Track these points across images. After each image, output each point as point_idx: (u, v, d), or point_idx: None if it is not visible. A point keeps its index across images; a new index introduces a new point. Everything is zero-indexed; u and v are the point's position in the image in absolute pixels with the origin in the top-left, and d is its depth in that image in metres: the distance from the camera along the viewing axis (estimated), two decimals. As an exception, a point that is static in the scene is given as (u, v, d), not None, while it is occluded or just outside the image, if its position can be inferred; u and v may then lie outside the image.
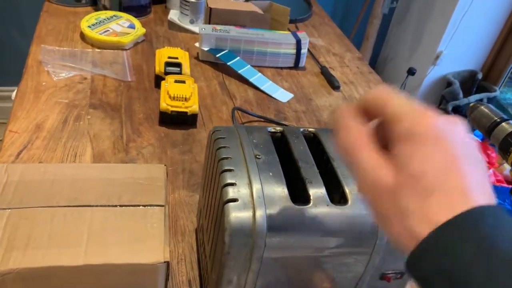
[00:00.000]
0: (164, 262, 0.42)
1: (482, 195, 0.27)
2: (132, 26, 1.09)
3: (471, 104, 0.66)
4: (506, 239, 0.25)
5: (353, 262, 0.48)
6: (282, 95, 1.01)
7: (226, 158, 0.48)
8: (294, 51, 1.09)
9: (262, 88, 1.01)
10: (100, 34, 1.03)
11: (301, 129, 0.55)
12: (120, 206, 0.46)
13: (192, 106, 0.84)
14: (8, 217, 0.42)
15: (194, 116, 0.85)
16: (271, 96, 1.00)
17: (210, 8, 1.11)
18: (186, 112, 0.84)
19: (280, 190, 0.45)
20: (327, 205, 0.45)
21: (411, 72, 2.03)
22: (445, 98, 2.20)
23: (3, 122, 1.94)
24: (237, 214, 0.43)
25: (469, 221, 0.26)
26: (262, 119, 0.91)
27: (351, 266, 0.48)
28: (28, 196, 0.45)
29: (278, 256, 0.45)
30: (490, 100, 2.18)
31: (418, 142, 0.28)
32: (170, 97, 0.83)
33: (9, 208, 0.43)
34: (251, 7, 1.16)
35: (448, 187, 0.27)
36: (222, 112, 0.92)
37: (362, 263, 0.48)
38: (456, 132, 0.29)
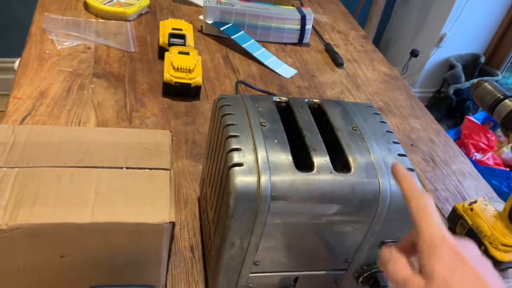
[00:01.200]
0: (170, 222, 0.42)
1: None
2: (136, -3, 1.08)
3: (475, 81, 0.66)
4: None
5: (353, 229, 0.49)
6: (286, 70, 1.00)
7: (232, 124, 0.48)
8: (298, 27, 1.08)
9: (265, 63, 1.01)
10: (104, 4, 1.02)
11: (306, 100, 0.55)
12: (127, 168, 0.46)
13: (196, 78, 0.84)
14: (16, 176, 0.43)
15: (197, 88, 0.85)
16: (274, 71, 0.99)
17: (215, -19, 1.10)
18: (189, 84, 0.84)
19: (284, 157, 0.46)
20: (331, 173, 0.46)
21: (414, 53, 2.02)
22: (447, 81, 2.20)
23: (4, 93, 1.94)
24: (242, 178, 0.44)
25: None
26: (265, 93, 0.91)
27: (351, 234, 0.49)
28: (35, 156, 0.45)
29: (281, 221, 0.46)
30: (491, 85, 2.17)
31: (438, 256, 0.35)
32: (173, 68, 0.83)
33: (16, 167, 0.44)
34: (256, -19, 1.15)
35: None
36: (226, 85, 0.92)
37: (362, 231, 0.49)
38: (470, 249, 0.36)
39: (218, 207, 0.49)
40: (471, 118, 1.92)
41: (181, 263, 0.57)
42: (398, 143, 0.51)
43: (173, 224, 0.43)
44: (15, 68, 1.17)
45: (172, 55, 0.86)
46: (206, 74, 0.94)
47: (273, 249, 0.49)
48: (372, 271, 0.53)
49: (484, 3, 2.07)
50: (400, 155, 0.50)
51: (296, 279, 0.53)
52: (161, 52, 0.92)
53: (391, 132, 0.53)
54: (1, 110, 1.92)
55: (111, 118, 0.76)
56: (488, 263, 0.36)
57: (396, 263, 0.39)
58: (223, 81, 0.93)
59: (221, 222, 0.47)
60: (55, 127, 0.53)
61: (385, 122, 0.54)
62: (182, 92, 0.85)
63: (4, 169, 0.43)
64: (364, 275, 0.54)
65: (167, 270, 0.48)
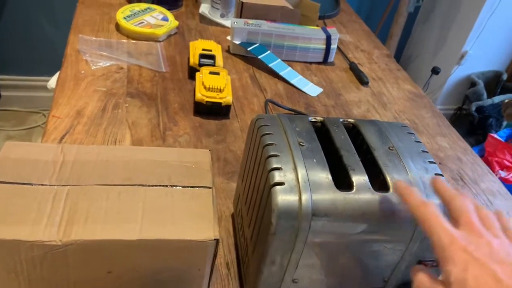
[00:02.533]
0: (214, 239, 0.44)
1: None
2: (165, 19, 1.11)
3: (507, 100, 0.67)
4: None
5: (391, 249, 0.49)
6: (312, 89, 1.02)
7: (272, 144, 0.50)
8: (323, 46, 1.10)
9: (292, 82, 1.02)
10: (135, 25, 1.06)
11: (341, 119, 0.56)
12: (171, 186, 0.48)
13: (226, 97, 0.86)
14: (68, 194, 0.45)
15: (227, 107, 0.87)
16: (300, 90, 1.01)
17: (242, 3, 1.13)
18: (220, 103, 0.86)
19: (324, 176, 0.47)
20: (370, 192, 0.46)
21: (435, 71, 2.02)
22: (468, 98, 2.19)
23: (34, 111, 2.00)
24: (283, 197, 0.45)
25: None
26: (293, 112, 0.93)
27: (389, 253, 0.50)
28: (84, 175, 0.47)
29: (321, 239, 0.47)
30: (514, 102, 2.16)
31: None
32: (205, 88, 0.86)
33: (68, 185, 0.45)
34: (281, 2, 1.18)
35: None
36: (254, 104, 0.94)
37: (400, 250, 0.50)
38: (483, 246, 0.36)
39: (258, 224, 0.50)
40: (495, 135, 1.91)
41: (217, 280, 0.58)
42: (434, 162, 0.52)
43: (217, 241, 0.44)
44: (48, 87, 1.22)
45: (203, 75, 0.88)
46: (234, 93, 0.96)
47: (312, 267, 0.49)
48: (409, 290, 0.54)
49: (505, 20, 2.07)
50: (437, 174, 0.50)
51: (333, 297, 0.53)
52: (192, 72, 0.95)
53: (427, 152, 0.53)
54: (31, 127, 1.97)
55: (145, 136, 0.79)
56: (508, 258, 0.35)
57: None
58: (251, 100, 0.95)
59: (261, 239, 0.48)
60: (100, 147, 0.55)
61: (420, 142, 0.55)
62: (213, 111, 0.87)
63: (56, 187, 0.45)
64: (401, 294, 0.54)
65: (208, 286, 0.49)
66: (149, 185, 0.47)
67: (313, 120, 0.56)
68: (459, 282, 0.34)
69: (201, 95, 0.85)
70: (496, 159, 1.82)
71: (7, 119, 1.97)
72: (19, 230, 0.40)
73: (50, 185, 0.45)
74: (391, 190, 0.47)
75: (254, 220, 0.52)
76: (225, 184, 0.73)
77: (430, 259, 0.51)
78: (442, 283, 0.37)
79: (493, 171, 1.74)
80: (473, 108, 2.12)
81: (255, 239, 0.51)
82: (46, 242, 0.40)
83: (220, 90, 0.86)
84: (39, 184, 0.45)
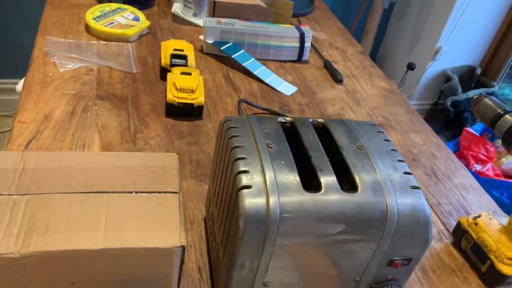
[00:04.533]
0: (180, 246, 0.43)
1: None
2: (136, 19, 1.09)
3: (475, 97, 0.67)
4: None
5: (361, 248, 0.49)
6: (286, 88, 1.02)
7: (239, 146, 0.49)
8: (297, 44, 1.10)
9: (266, 81, 1.02)
10: (105, 26, 1.04)
11: (310, 120, 0.56)
12: (136, 192, 0.46)
13: (198, 98, 0.85)
14: (27, 203, 0.43)
15: (200, 108, 0.86)
16: (275, 89, 1.01)
17: (214, 1, 1.12)
18: (192, 104, 0.85)
19: (292, 178, 0.46)
20: (338, 193, 0.46)
21: (410, 67, 2.04)
22: (444, 93, 2.22)
23: (6, 114, 1.95)
24: (251, 200, 0.44)
25: None
26: (267, 112, 0.92)
27: (359, 253, 0.49)
28: (45, 183, 0.45)
29: (290, 242, 0.46)
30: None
31: None
32: (176, 88, 0.84)
33: (27, 194, 0.44)
34: (255, 0, 1.17)
35: None
36: (227, 104, 0.93)
37: (371, 249, 0.49)
38: None
39: (227, 228, 0.49)
40: (470, 129, 1.94)
41: (189, 285, 0.57)
42: (403, 161, 0.52)
43: (183, 247, 0.43)
44: (17, 90, 1.18)
45: (174, 76, 0.86)
46: (207, 93, 0.94)
47: (282, 270, 0.49)
48: (381, 289, 0.53)
49: (478, 15, 2.10)
50: (405, 173, 0.50)
51: (305, 299, 0.53)
52: (163, 72, 0.93)
53: (396, 151, 0.53)
54: (3, 131, 1.92)
55: (115, 139, 0.77)
56: None
57: None
58: (225, 100, 0.94)
59: (230, 244, 0.47)
60: (63, 153, 0.53)
61: (389, 140, 0.55)
62: (185, 112, 0.85)
63: (15, 196, 0.44)
64: (373, 293, 0.54)
65: (177, 293, 0.48)
66: (113, 192, 0.46)
67: (283, 121, 0.55)
68: None
69: (172, 96, 0.84)
70: (471, 153, 1.84)
71: (-22, 123, 1.92)
72: (-26, 243, 0.39)
73: (8, 195, 0.43)
74: (359, 189, 0.47)
75: (224, 223, 0.51)
76: (197, 187, 0.72)
77: (400, 258, 0.51)
78: None
79: (468, 165, 1.77)
80: (449, 103, 2.15)
81: (225, 243, 0.50)
82: (3, 254, 0.39)
83: (192, 91, 0.85)
84: (-4, 194, 0.43)
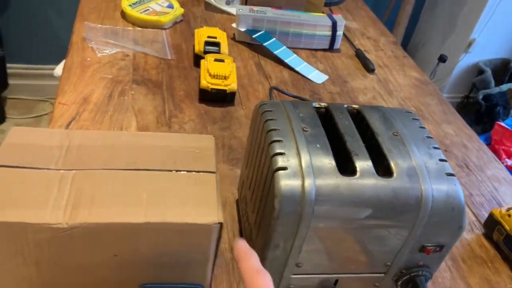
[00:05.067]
0: (218, 223, 0.44)
1: None
2: (171, 6, 1.11)
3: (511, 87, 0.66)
4: None
5: (394, 234, 0.49)
6: (317, 76, 1.02)
7: (275, 129, 0.50)
8: (329, 33, 1.09)
9: (297, 69, 1.02)
10: (141, 13, 1.06)
11: (345, 105, 0.56)
12: (175, 171, 0.48)
13: (231, 84, 0.86)
14: (73, 178, 0.45)
15: (232, 94, 0.87)
16: (306, 77, 1.01)
17: (247, -11, 1.12)
18: (225, 90, 0.86)
19: (327, 161, 0.47)
20: (374, 177, 0.47)
21: (442, 59, 2.00)
22: (476, 86, 2.17)
23: (42, 99, 2.01)
24: (286, 182, 0.45)
25: None
26: (298, 99, 0.93)
27: (391, 238, 0.50)
28: (89, 159, 0.47)
29: (324, 224, 0.47)
30: (523, 90, 2.14)
31: None
32: (210, 75, 0.86)
33: (73, 169, 0.46)
34: (287, -12, 1.17)
35: None
36: (259, 91, 0.94)
37: (403, 235, 0.50)
38: None
39: (261, 210, 0.51)
40: (502, 123, 1.89)
41: (222, 264, 0.59)
42: (438, 148, 0.52)
43: (221, 224, 0.44)
44: (55, 75, 1.22)
45: (208, 63, 0.88)
46: (239, 80, 0.95)
47: (315, 252, 0.50)
48: (411, 274, 0.54)
49: (514, 7, 2.04)
50: (441, 160, 0.50)
51: (336, 281, 0.54)
52: (197, 59, 0.95)
53: (431, 138, 0.53)
54: (41, 114, 1.99)
55: (151, 123, 0.79)
56: None
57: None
58: (256, 87, 0.95)
59: (265, 224, 0.49)
60: (106, 132, 0.56)
61: (424, 128, 0.55)
62: (217, 98, 0.87)
63: (62, 171, 0.46)
64: (403, 278, 0.54)
65: (213, 270, 0.49)
66: (153, 170, 0.48)
67: (317, 106, 0.56)
68: None
69: (206, 82, 0.85)
70: (503, 147, 1.80)
71: (15, 108, 1.99)
72: (26, 213, 0.41)
73: (56, 170, 0.46)
74: (394, 175, 0.47)
75: (258, 205, 0.52)
76: (229, 171, 0.73)
77: (433, 244, 0.51)
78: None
79: (500, 159, 1.73)
80: (480, 96, 2.11)
81: (258, 224, 0.52)
82: (53, 225, 0.41)
83: (225, 77, 0.86)
84: (45, 169, 0.45)
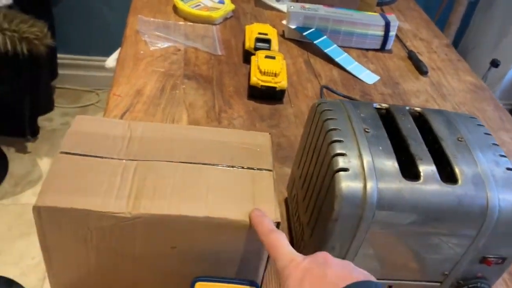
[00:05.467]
0: (276, 222, 0.44)
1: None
2: (221, 2, 1.11)
3: None
4: None
5: (455, 242, 0.48)
6: (368, 76, 1.00)
7: (335, 129, 0.49)
8: (382, 33, 1.07)
9: (348, 68, 1.00)
10: (192, 8, 1.07)
11: (407, 107, 0.55)
12: (233, 167, 0.48)
13: (281, 82, 0.86)
14: (136, 168, 0.46)
15: (282, 92, 0.87)
16: (356, 77, 0.99)
17: (299, -13, 1.11)
18: (275, 88, 0.86)
19: (390, 164, 0.46)
20: (438, 183, 0.45)
21: (494, 63, 1.92)
22: (528, 93, 2.08)
23: (88, 90, 2.07)
24: (348, 183, 0.44)
25: None
26: (349, 100, 0.91)
27: (452, 247, 0.48)
28: (151, 151, 0.48)
29: (384, 229, 0.46)
30: None
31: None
32: (260, 72, 0.85)
33: (136, 160, 0.47)
34: (339, -13, 1.15)
35: None
36: (308, 89, 0.93)
37: (465, 244, 0.48)
38: (321, 258, 0.38)
39: (317, 210, 0.50)
40: (556, 133, 1.80)
41: (272, 262, 0.59)
42: (505, 156, 0.50)
43: (278, 224, 0.44)
44: (106, 66, 1.25)
45: (258, 59, 0.88)
46: (288, 78, 0.95)
47: (370, 256, 0.49)
48: (469, 286, 0.52)
49: None
50: (508, 169, 0.48)
51: (389, 287, 0.53)
52: (247, 55, 0.94)
53: (497, 145, 0.51)
54: (88, 104, 2.05)
55: (201, 117, 0.80)
56: (334, 263, 0.36)
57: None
58: (305, 85, 0.94)
59: (321, 226, 0.48)
60: (166, 125, 0.56)
61: (490, 134, 0.53)
62: (267, 96, 0.87)
63: (125, 161, 0.47)
64: (460, 289, 0.52)
65: (265, 269, 0.49)
66: (212, 164, 0.48)
67: (378, 107, 0.54)
68: None
69: (256, 79, 0.85)
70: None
71: (64, 97, 2.05)
72: (91, 200, 0.42)
73: (119, 159, 0.46)
74: (460, 182, 0.46)
75: (313, 205, 0.52)
76: (278, 169, 0.73)
77: (495, 256, 0.49)
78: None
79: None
80: (533, 104, 2.01)
81: (313, 224, 0.51)
82: (116, 213, 0.42)
83: (276, 75, 0.86)
84: (108, 158, 0.46)
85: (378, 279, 0.52)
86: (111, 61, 1.21)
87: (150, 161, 0.47)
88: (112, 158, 0.46)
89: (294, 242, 0.60)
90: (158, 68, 0.90)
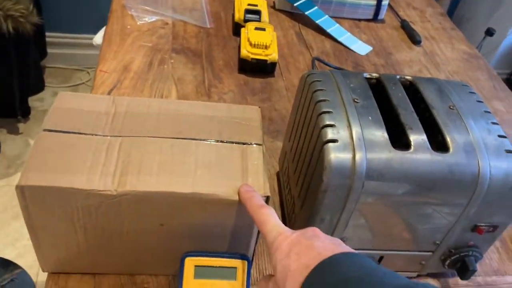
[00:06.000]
0: (265, 196, 0.43)
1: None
2: (210, -27, 1.08)
3: None
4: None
5: (447, 211, 0.47)
6: (360, 47, 0.98)
7: (324, 100, 0.48)
8: (374, 2, 1.05)
9: (339, 39, 0.99)
10: (180, -20, 1.04)
11: (398, 76, 0.54)
12: (221, 141, 0.47)
13: (272, 54, 0.84)
14: (121, 144, 0.45)
15: (273, 65, 0.85)
16: (349, 48, 0.97)
17: (289, -45, 1.08)
18: (266, 60, 0.84)
19: (380, 134, 0.45)
20: (429, 152, 0.44)
21: (489, 32, 1.90)
22: (524, 62, 2.06)
23: (78, 68, 2.04)
24: (336, 155, 0.43)
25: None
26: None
27: (443, 216, 0.48)
28: (136, 126, 0.47)
29: (373, 200, 0.45)
30: None
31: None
32: (250, 44, 0.84)
33: (120, 136, 0.46)
34: (330, -45, 1.12)
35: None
36: (299, 62, 0.92)
37: (456, 213, 0.48)
38: (309, 231, 0.37)
39: (307, 182, 0.49)
40: (551, 101, 1.80)
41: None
42: (497, 124, 0.49)
43: (267, 197, 0.44)
44: (94, 43, 1.22)
45: (248, 31, 0.86)
46: (279, 50, 0.93)
47: (361, 227, 0.48)
48: (461, 254, 0.52)
49: None
50: (500, 136, 0.47)
51: (381, 258, 0.53)
52: (236, 28, 0.92)
53: (489, 113, 0.50)
54: (78, 83, 2.02)
55: (190, 92, 0.78)
56: (322, 237, 0.36)
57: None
58: (297, 57, 0.93)
59: (311, 197, 0.47)
60: (151, 99, 0.55)
61: (482, 102, 0.52)
62: (258, 69, 0.85)
63: (109, 137, 0.45)
64: (452, 258, 0.52)
65: (256, 242, 0.49)
66: (201, 139, 0.47)
67: (368, 76, 0.53)
68: (283, 265, 0.35)
69: (246, 51, 0.83)
70: (551, 126, 1.72)
71: (54, 76, 2.02)
72: (75, 179, 0.41)
73: (103, 136, 0.45)
74: (451, 150, 0.45)
75: (303, 177, 0.51)
76: (269, 143, 0.72)
77: (486, 224, 0.49)
78: (270, 276, 0.38)
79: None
80: (528, 73, 2.00)
81: (303, 196, 0.51)
82: (102, 191, 0.41)
83: (266, 47, 0.84)
84: (92, 134, 0.45)
85: (369, 249, 0.52)
86: (99, 38, 1.19)
87: (136, 136, 0.46)
88: (96, 135, 0.45)
89: (285, 215, 0.59)
90: (145, 42, 0.88)
